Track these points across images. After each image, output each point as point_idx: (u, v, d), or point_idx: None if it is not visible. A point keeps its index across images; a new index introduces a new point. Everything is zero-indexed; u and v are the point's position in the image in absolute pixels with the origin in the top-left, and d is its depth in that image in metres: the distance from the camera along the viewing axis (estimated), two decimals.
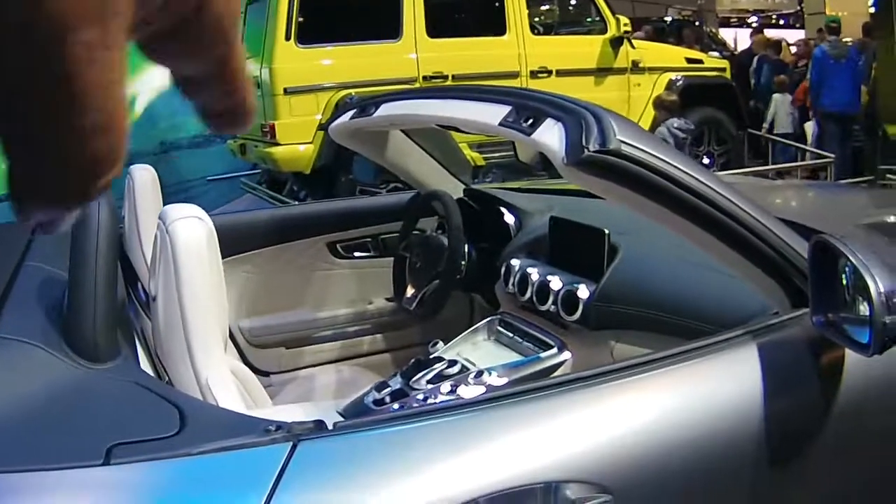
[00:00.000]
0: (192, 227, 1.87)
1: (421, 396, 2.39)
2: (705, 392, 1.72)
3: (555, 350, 2.63)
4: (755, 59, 12.18)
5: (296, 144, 7.53)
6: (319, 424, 1.44)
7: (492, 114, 2.13)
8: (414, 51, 7.90)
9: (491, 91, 2.29)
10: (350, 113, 2.92)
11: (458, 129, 2.53)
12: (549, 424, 1.55)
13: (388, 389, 2.44)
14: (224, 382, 1.83)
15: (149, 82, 9.59)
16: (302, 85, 7.56)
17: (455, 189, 3.35)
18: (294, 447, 1.36)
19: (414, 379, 2.46)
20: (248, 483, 1.35)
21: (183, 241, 1.84)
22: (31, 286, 1.87)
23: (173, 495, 1.36)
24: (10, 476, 1.29)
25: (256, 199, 9.19)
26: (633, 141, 1.67)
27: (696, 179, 1.71)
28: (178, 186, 9.09)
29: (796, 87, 11.16)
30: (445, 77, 7.92)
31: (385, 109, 2.76)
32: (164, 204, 2.86)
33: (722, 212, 1.73)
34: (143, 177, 2.91)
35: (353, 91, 7.55)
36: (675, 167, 1.70)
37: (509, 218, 3.21)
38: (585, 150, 1.64)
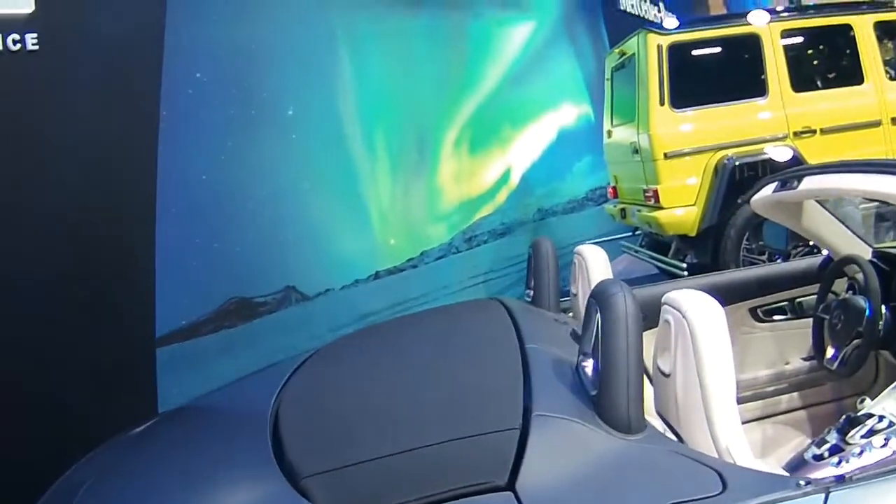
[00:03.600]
0: (709, 312, 2.16)
1: (857, 450, 2.51)
2: None
3: None
4: None
5: (679, 207, 7.70)
6: (839, 478, 1.69)
7: None
8: (781, 107, 7.89)
9: None
10: (772, 186, 3.16)
11: (886, 203, 2.68)
12: None
13: (826, 445, 2.56)
14: (743, 447, 2.10)
15: (521, 153, 10.18)
16: (680, 149, 7.75)
17: (863, 251, 3.44)
18: (826, 497, 1.62)
19: (849, 434, 2.59)
20: None
21: (700, 325, 2.13)
22: (544, 367, 2.24)
23: None
24: None
25: (633, 261, 9.43)
26: None
27: None
28: (558, 251, 9.49)
29: None
30: (814, 132, 7.84)
31: (808, 183, 2.97)
32: None
33: None
34: (596, 256, 3.33)
35: (729, 151, 7.68)
36: None
37: None
38: None
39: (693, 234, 7.72)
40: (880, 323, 3.09)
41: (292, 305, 6.84)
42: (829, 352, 3.28)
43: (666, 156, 7.71)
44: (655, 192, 7.75)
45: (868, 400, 2.88)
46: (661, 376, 2.32)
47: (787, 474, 1.79)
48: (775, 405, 3.65)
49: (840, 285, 3.43)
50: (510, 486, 1.76)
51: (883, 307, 3.11)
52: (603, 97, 9.55)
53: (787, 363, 3.70)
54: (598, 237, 10.38)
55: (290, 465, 2.01)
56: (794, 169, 3.26)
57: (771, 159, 7.45)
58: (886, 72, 8.16)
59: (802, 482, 1.68)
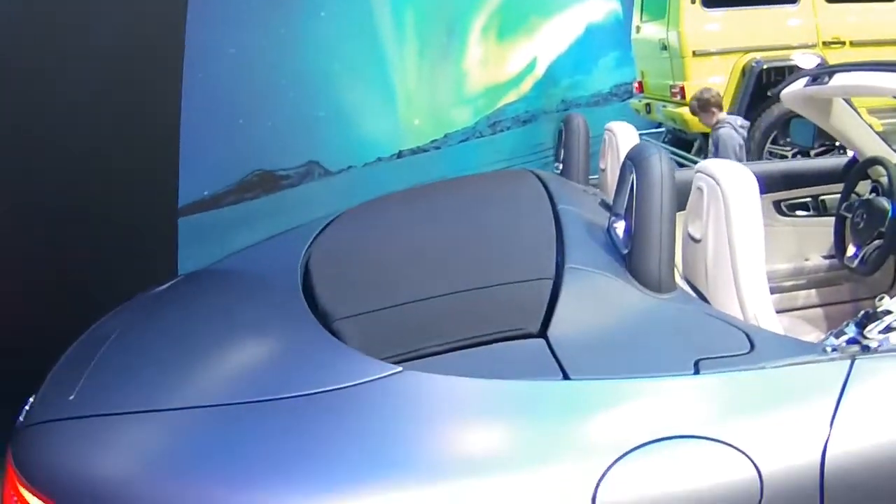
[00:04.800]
0: (742, 179, 2.21)
1: (875, 345, 2.58)
2: None
3: None
4: None
5: None
6: (865, 348, 1.79)
7: None
8: (812, 16, 7.83)
9: None
10: (803, 80, 3.17)
11: None
12: None
13: (844, 337, 2.63)
14: (770, 314, 2.16)
15: (548, 43, 10.11)
16: (709, 48, 7.73)
17: (889, 155, 3.44)
18: (852, 364, 1.69)
19: (867, 329, 2.65)
20: (820, 390, 1.68)
21: (735, 193, 2.18)
22: (576, 226, 2.29)
23: (755, 400, 1.68)
24: (598, 382, 1.67)
25: None
26: None
27: None
28: None
29: None
30: (843, 43, 7.81)
31: (839, 79, 2.98)
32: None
33: None
34: (627, 131, 3.41)
35: (757, 55, 7.65)
36: None
37: None
38: None
39: None
40: None
41: (314, 180, 6.89)
42: (850, 250, 3.32)
43: (694, 53, 7.70)
44: (682, 88, 7.75)
45: (887, 298, 2.93)
46: (692, 242, 2.37)
47: (795, 339, 1.85)
48: (792, 300, 3.72)
49: (864, 187, 3.45)
50: (542, 333, 1.81)
51: None
52: None
53: (806, 259, 3.75)
54: None
55: (323, 310, 2.04)
56: (827, 66, 3.26)
57: (797, 66, 7.41)
58: None
59: (829, 348, 1.73)
